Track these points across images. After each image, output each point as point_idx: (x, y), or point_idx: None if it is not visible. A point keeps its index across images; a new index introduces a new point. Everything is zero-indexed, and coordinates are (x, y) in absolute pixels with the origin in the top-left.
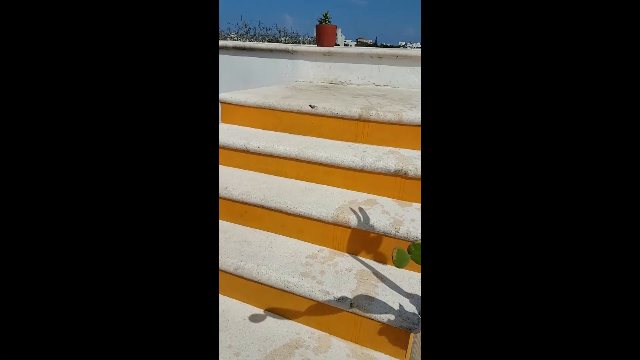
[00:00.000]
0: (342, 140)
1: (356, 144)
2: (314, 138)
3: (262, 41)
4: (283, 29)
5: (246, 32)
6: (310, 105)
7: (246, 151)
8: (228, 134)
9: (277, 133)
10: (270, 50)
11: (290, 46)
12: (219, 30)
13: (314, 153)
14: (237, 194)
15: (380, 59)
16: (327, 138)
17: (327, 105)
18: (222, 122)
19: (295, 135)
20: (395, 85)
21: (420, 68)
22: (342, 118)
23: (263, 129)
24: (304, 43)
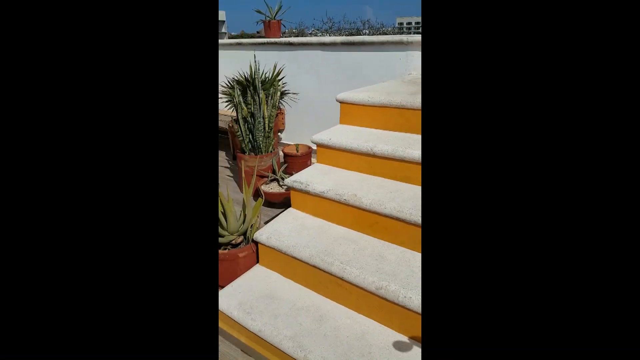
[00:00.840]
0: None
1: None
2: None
3: (343, 34)
4: (368, 20)
5: (330, 27)
6: None
7: (372, 155)
8: (351, 136)
9: (405, 134)
10: (382, 43)
11: (404, 37)
12: (304, 27)
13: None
14: (368, 202)
15: None
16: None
17: None
18: (341, 122)
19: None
20: None
21: None
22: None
23: (387, 129)
24: (386, 34)
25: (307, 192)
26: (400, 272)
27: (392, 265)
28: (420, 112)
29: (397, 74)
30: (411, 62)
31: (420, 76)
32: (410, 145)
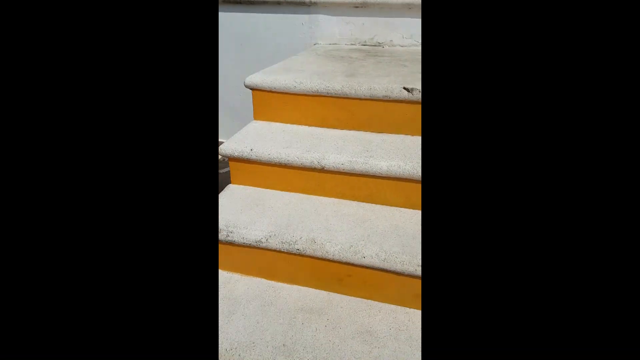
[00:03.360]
0: None
1: None
2: (415, 138)
3: None
4: None
5: None
6: (405, 88)
7: (321, 170)
8: (282, 141)
9: (356, 134)
10: (278, 3)
11: None
12: None
13: None
14: (335, 250)
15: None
16: None
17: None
18: (257, 118)
19: (385, 136)
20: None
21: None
22: None
23: (329, 127)
24: None
25: (231, 243)
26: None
27: (387, 344)
28: (368, 102)
29: (300, 44)
30: (317, 30)
31: (326, 47)
32: (370, 153)
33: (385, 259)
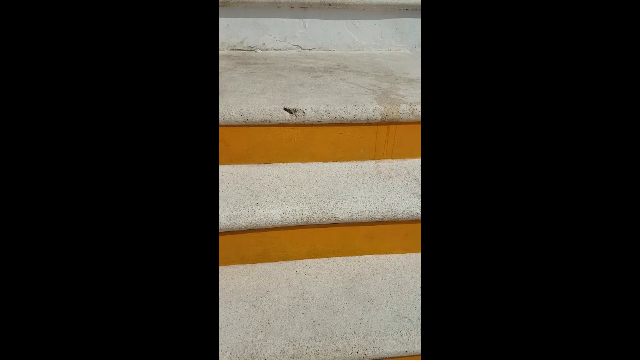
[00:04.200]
0: (352, 160)
1: (382, 164)
2: (308, 166)
3: None
4: None
5: None
6: (287, 109)
7: None
8: None
9: (232, 170)
10: None
11: None
12: None
13: (333, 209)
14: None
15: (305, 9)
16: (324, 161)
17: (279, 97)
18: None
19: (271, 167)
20: (329, 47)
21: (360, 21)
22: (351, 124)
23: None
24: None
25: None
26: None
27: None
28: (244, 129)
29: None
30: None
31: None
32: (256, 198)
33: (294, 354)
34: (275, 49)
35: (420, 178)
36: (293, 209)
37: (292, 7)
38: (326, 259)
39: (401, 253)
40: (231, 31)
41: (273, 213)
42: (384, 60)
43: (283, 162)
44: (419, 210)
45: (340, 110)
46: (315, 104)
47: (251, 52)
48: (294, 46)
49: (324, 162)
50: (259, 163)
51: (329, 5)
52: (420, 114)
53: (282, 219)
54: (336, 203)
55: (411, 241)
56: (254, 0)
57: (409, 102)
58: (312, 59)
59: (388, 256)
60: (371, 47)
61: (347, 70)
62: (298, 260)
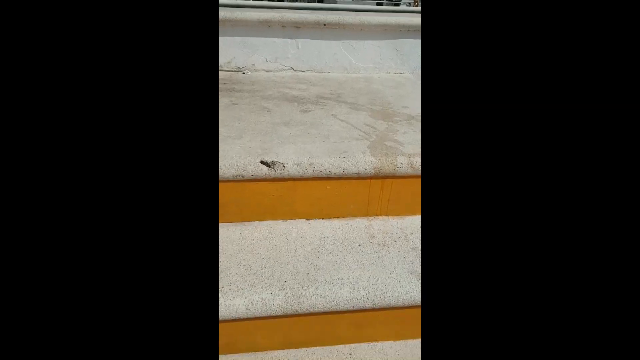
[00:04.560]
0: (341, 217)
1: (376, 224)
2: (281, 224)
3: None
4: None
5: None
6: (265, 163)
7: None
8: None
9: None
10: None
11: None
12: None
13: (312, 296)
14: None
15: (298, 29)
16: (308, 218)
17: (269, 145)
18: None
19: (243, 227)
20: (323, 68)
21: (358, 42)
22: (341, 178)
23: None
24: None
25: None
26: None
27: None
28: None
29: None
30: None
31: None
32: (220, 284)
33: None
34: (265, 70)
35: (419, 246)
36: (262, 298)
37: (284, 27)
38: (304, 349)
39: (395, 340)
40: (220, 50)
41: (237, 303)
42: (382, 87)
43: (259, 220)
44: (419, 297)
45: (326, 164)
46: (298, 155)
47: (239, 73)
48: (285, 67)
49: (307, 219)
50: (230, 222)
51: (324, 25)
52: (420, 167)
53: (247, 310)
54: (316, 288)
55: (407, 326)
56: (243, 18)
57: (408, 152)
58: (304, 84)
59: (379, 345)
60: (369, 69)
61: (341, 101)
62: (271, 352)
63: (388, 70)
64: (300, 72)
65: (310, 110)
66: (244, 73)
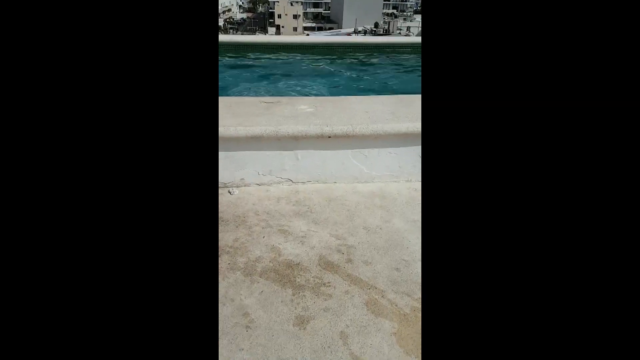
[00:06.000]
0: None
1: None
2: None
3: None
4: None
5: None
6: None
7: None
8: None
9: None
10: None
11: None
12: None
13: None
14: None
15: (296, 141)
16: None
17: None
18: None
19: None
20: (328, 178)
21: (371, 150)
22: None
23: None
24: None
25: None
26: None
27: None
28: None
29: None
30: None
31: None
32: None
33: None
34: (257, 184)
35: None
36: None
37: (279, 140)
38: None
39: None
40: None
41: None
42: (405, 225)
43: None
44: None
45: None
46: None
47: (225, 190)
48: (282, 180)
49: None
50: None
51: (329, 137)
52: None
53: None
54: None
55: None
56: (234, 135)
57: None
58: (293, 206)
59: None
60: (385, 177)
61: (353, 278)
62: None
63: (409, 178)
64: (299, 184)
65: (311, 320)
66: (230, 193)
